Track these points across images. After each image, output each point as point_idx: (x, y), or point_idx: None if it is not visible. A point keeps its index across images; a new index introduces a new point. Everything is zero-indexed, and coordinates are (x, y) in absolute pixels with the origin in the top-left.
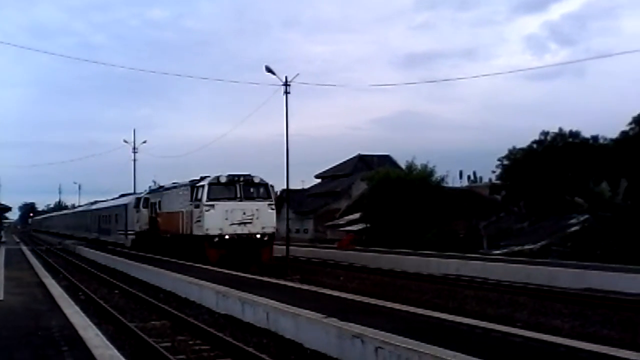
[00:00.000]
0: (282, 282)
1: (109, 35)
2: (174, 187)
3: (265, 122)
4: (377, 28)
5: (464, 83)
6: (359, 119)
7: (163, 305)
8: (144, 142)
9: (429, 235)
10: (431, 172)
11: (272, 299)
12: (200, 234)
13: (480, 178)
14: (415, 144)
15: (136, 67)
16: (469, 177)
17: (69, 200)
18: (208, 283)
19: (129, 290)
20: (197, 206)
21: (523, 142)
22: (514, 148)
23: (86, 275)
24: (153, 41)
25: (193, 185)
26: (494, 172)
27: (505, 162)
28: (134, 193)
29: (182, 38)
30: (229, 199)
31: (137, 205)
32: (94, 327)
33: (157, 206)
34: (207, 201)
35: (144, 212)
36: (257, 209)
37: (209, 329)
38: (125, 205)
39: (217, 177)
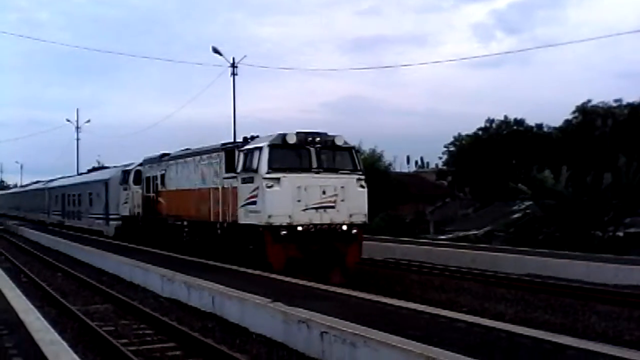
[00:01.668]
0: (227, 265)
1: (53, 12)
2: (189, 155)
3: (216, 103)
4: (325, 11)
5: (410, 69)
6: (308, 102)
7: (106, 289)
8: (88, 121)
9: (377, 220)
10: (379, 157)
11: (217, 283)
12: (257, 223)
13: (428, 164)
14: (363, 128)
15: (81, 44)
16: (416, 162)
17: (11, 179)
18: (152, 266)
19: (72, 272)
20: (247, 180)
21: (470, 129)
22: (459, 135)
23: (29, 257)
24: (99, 18)
25: (232, 150)
26: (440, 157)
27: (452, 149)
28: (126, 164)
29: (129, 16)
30: (302, 171)
31: (124, 181)
32: (35, 310)
33: (157, 181)
34: (268, 173)
35: (136, 189)
36: (342, 187)
37: (153, 313)
38: (106, 182)
39: (282, 137)
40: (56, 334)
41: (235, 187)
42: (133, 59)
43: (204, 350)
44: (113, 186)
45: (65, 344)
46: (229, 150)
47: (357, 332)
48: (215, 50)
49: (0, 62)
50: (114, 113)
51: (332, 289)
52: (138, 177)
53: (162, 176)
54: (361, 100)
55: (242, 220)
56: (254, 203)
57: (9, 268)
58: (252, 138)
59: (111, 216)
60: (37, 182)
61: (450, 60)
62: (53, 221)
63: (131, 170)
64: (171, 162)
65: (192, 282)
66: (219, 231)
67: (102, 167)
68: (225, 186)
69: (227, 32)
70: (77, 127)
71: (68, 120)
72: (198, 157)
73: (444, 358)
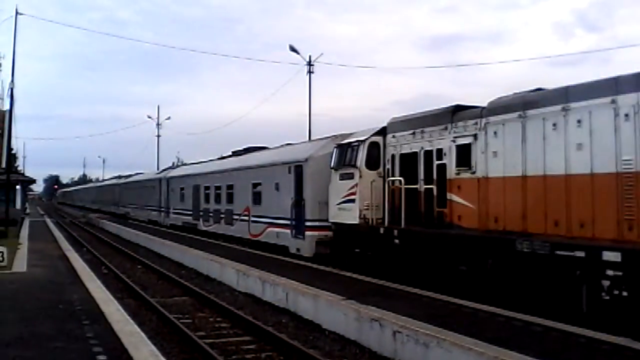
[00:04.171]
0: (301, 262)
1: (135, 11)
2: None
3: (292, 101)
4: (402, 10)
5: (487, 67)
6: (382, 100)
7: (185, 282)
8: (168, 118)
9: None
10: None
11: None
12: None
13: None
14: None
15: (161, 43)
16: None
17: (93, 174)
18: (229, 261)
19: (152, 265)
20: None
21: None
22: None
23: (110, 249)
24: (179, 17)
25: None
26: None
27: None
28: (339, 134)
29: (209, 15)
30: None
31: (345, 162)
32: (115, 301)
33: (444, 159)
34: None
35: (371, 176)
36: None
37: (229, 307)
38: (299, 165)
39: None
40: (135, 326)
41: None
42: (212, 57)
43: (278, 345)
44: (314, 172)
45: (144, 335)
46: None
47: (430, 333)
48: (292, 49)
49: (87, 60)
50: (192, 110)
51: (401, 287)
52: (375, 155)
53: (464, 150)
54: (436, 99)
55: None
56: None
57: (90, 259)
58: None
59: (309, 223)
60: (119, 176)
61: (530, 59)
62: (175, 223)
63: (360, 144)
64: (510, 115)
65: (266, 278)
66: None
67: (261, 147)
68: None
69: (305, 30)
70: (158, 124)
71: (149, 117)
72: None
73: None
